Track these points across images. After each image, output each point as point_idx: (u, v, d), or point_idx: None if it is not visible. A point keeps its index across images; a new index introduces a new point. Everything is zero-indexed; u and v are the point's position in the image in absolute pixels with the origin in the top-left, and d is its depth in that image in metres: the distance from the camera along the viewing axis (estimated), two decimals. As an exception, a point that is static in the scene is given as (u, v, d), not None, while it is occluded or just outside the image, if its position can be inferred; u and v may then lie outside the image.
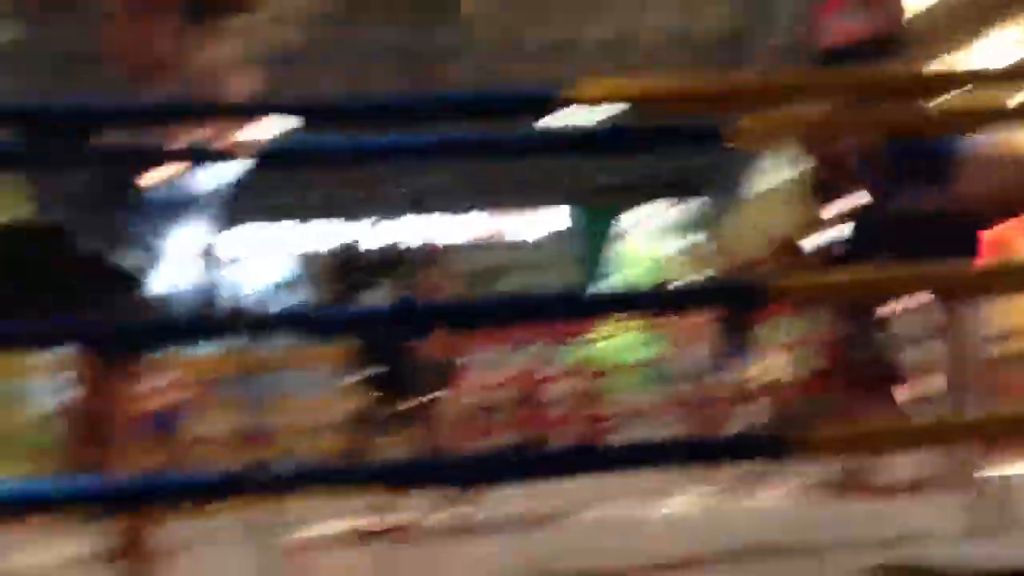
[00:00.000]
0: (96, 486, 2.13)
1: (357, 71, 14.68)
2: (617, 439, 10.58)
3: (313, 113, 2.30)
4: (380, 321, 2.68)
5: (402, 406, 6.47)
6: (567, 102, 2.44)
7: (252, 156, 2.15)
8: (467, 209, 19.25)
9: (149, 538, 2.49)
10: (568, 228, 20.01)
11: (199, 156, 2.44)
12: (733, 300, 2.77)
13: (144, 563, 2.49)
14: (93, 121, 2.27)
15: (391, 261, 6.92)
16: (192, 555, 4.88)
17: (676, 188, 19.74)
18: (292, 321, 2.28)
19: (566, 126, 2.54)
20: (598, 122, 2.55)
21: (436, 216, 18.88)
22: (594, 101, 2.51)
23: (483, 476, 2.84)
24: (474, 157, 2.53)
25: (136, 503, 2.30)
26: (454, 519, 5.85)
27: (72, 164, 2.41)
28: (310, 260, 15.91)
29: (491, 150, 2.61)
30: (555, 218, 20.12)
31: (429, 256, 7.65)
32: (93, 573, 4.47)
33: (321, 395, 10.65)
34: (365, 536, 5.22)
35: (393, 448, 8.31)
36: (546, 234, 20.14)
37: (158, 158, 2.41)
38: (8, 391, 9.67)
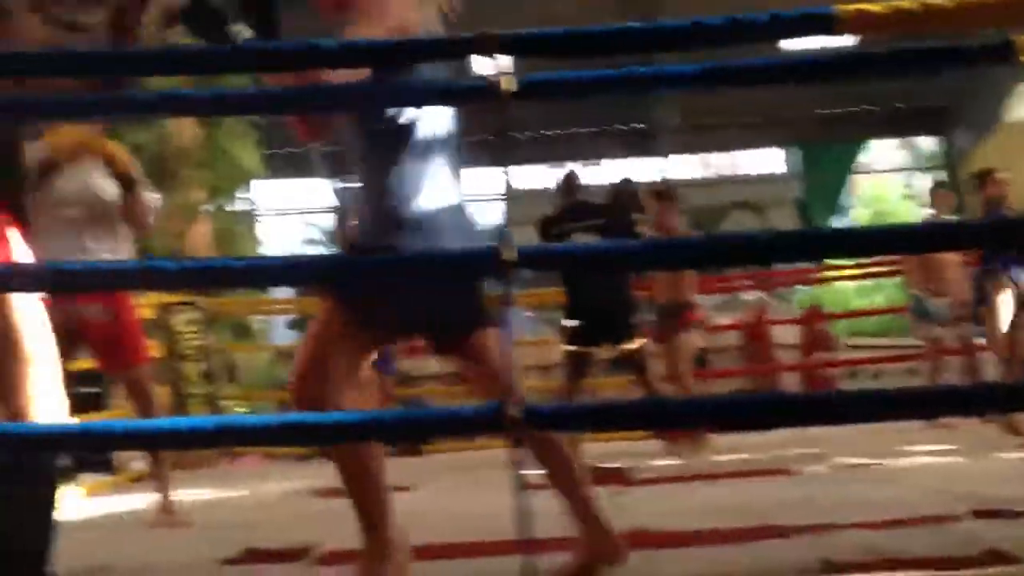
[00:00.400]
0: (330, 421, 2.12)
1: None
2: (848, 386, 10.23)
3: (534, 47, 2.20)
4: (611, 259, 2.56)
5: (622, 349, 6.38)
6: (834, 24, 2.25)
7: (496, 94, 2.07)
8: (693, 146, 18.88)
9: (378, 473, 2.52)
10: (797, 164, 19.36)
11: (428, 96, 2.37)
12: (1003, 237, 2.50)
13: (376, 498, 2.52)
14: (311, 62, 2.23)
15: (616, 201, 6.77)
16: (432, 490, 5.00)
17: (916, 121, 18.77)
18: (529, 260, 2.20)
19: (821, 49, 2.33)
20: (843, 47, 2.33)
21: (661, 153, 18.59)
22: (866, 23, 2.31)
23: (712, 421, 2.73)
24: (722, 86, 2.34)
25: (366, 438, 2.31)
26: (681, 465, 5.75)
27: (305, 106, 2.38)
28: (530, 199, 15.93)
29: (746, 77, 2.43)
30: (782, 154, 19.52)
31: (659, 194, 7.42)
32: (328, 504, 4.64)
33: (538, 335, 10.70)
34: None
35: (613, 392, 8.28)
36: (773, 171, 19.57)
37: (394, 98, 2.36)
38: (250, 328, 10.10)
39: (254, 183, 11.45)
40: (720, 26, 2.21)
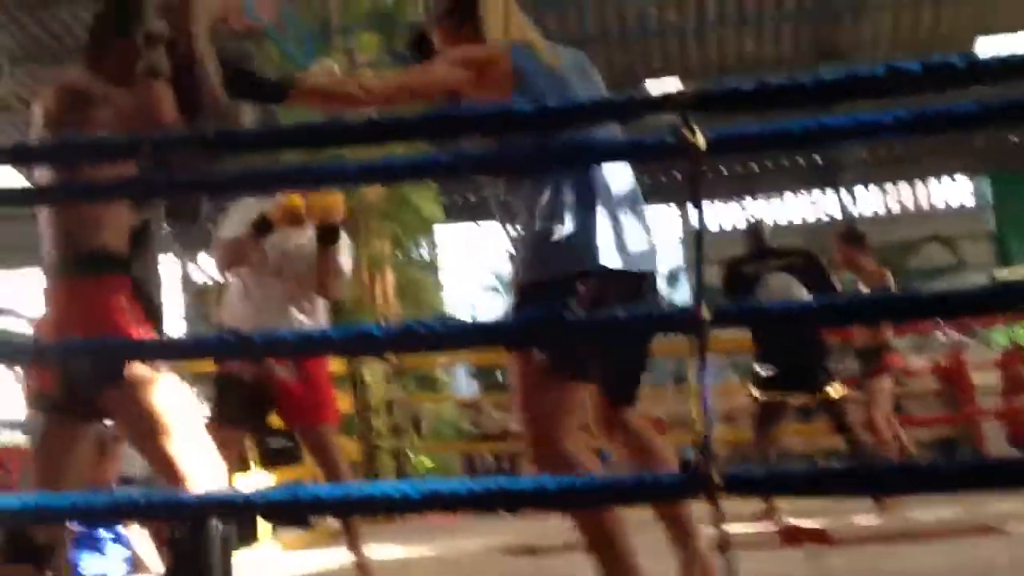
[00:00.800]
0: (526, 488, 2.09)
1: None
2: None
3: (727, 103, 2.14)
4: (809, 317, 2.46)
5: (813, 396, 6.17)
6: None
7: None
8: (878, 178, 18.33)
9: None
10: (988, 195, 18.52)
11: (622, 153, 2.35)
12: None
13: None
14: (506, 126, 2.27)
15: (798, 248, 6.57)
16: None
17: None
18: (725, 318, 2.13)
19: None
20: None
21: (846, 187, 18.14)
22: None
23: (926, 487, 2.58)
24: (922, 134, 2.23)
25: (564, 505, 2.27)
26: (883, 522, 5.49)
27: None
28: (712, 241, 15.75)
29: (948, 124, 2.29)
30: (972, 186, 18.73)
31: (845, 236, 7.22)
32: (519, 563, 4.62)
33: (722, 383, 10.48)
34: (792, 538, 4.99)
35: (803, 441, 8.00)
36: (964, 203, 18.80)
37: (584, 156, 2.36)
38: (435, 379, 10.24)
39: (435, 230, 11.67)
40: (918, 72, 2.09)
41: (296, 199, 4.10)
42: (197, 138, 2.23)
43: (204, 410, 4.04)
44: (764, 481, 2.23)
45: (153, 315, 2.57)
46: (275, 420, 4.70)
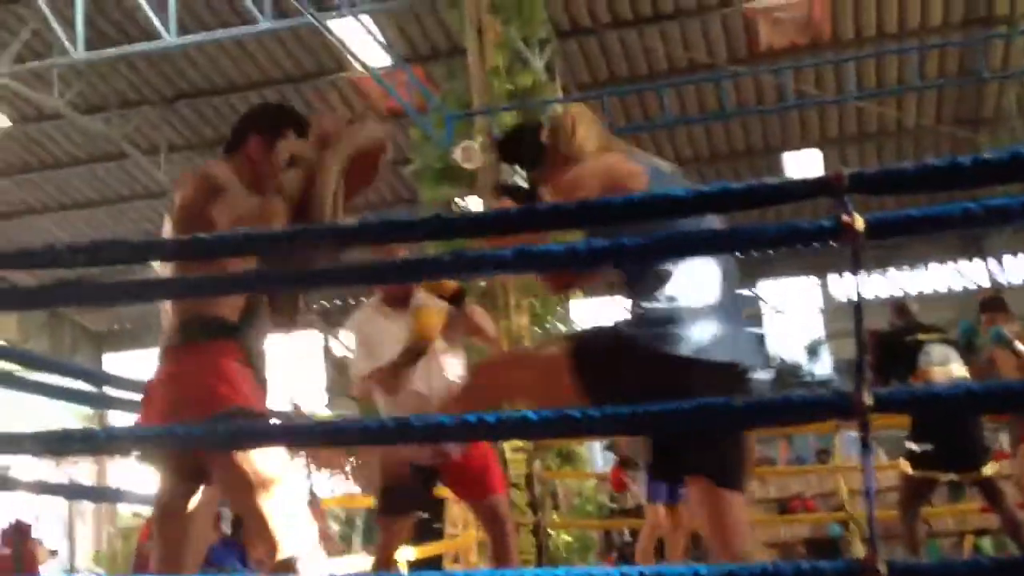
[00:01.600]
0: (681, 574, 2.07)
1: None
2: None
3: (884, 185, 2.12)
4: (977, 402, 2.37)
5: (969, 475, 5.94)
6: None
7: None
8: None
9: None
10: None
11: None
12: None
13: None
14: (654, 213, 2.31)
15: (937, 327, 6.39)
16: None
17: None
18: (887, 403, 2.08)
19: None
20: None
21: (993, 255, 17.59)
22: None
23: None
24: None
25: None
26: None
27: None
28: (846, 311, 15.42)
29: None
30: None
31: (985, 304, 7.03)
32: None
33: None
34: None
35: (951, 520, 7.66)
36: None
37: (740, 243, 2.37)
38: (574, 453, 10.20)
39: (572, 304, 11.69)
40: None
41: (426, 320, 4.11)
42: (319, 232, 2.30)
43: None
44: (929, 572, 2.17)
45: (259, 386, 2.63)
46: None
